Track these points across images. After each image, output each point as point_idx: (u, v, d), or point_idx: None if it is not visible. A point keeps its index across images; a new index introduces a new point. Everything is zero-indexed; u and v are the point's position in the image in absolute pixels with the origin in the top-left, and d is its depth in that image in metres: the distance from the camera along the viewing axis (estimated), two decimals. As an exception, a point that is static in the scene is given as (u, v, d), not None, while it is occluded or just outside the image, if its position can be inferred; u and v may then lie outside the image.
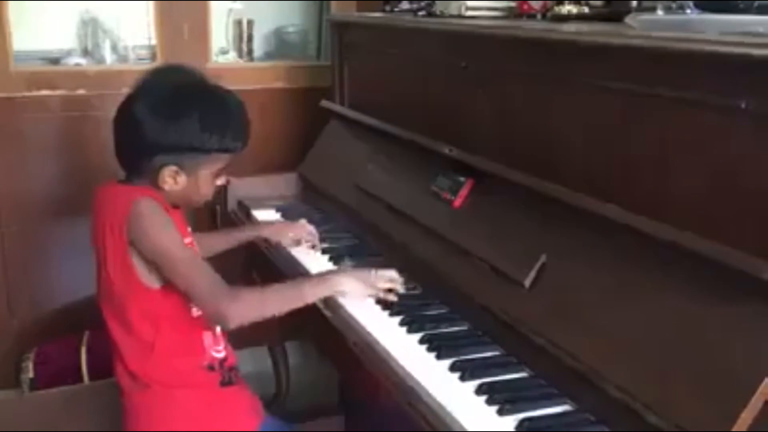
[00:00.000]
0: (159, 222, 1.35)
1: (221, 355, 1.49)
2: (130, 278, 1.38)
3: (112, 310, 1.43)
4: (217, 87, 1.45)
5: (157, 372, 1.43)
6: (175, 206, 1.46)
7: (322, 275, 1.53)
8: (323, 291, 1.45)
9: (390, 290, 1.49)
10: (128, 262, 1.37)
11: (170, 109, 1.36)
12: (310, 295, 1.44)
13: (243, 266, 1.99)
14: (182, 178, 1.40)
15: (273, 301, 1.41)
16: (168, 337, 1.42)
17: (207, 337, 1.47)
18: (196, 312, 1.43)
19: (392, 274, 1.51)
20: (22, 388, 2.31)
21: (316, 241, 1.83)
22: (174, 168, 1.38)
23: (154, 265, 1.37)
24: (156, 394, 1.43)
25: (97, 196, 1.44)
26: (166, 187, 1.40)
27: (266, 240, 1.83)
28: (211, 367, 1.47)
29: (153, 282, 1.39)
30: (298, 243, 1.82)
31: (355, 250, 1.81)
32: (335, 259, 1.75)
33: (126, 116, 1.39)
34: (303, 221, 1.87)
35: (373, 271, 1.51)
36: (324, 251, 1.81)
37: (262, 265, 1.89)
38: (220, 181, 1.48)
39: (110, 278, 1.40)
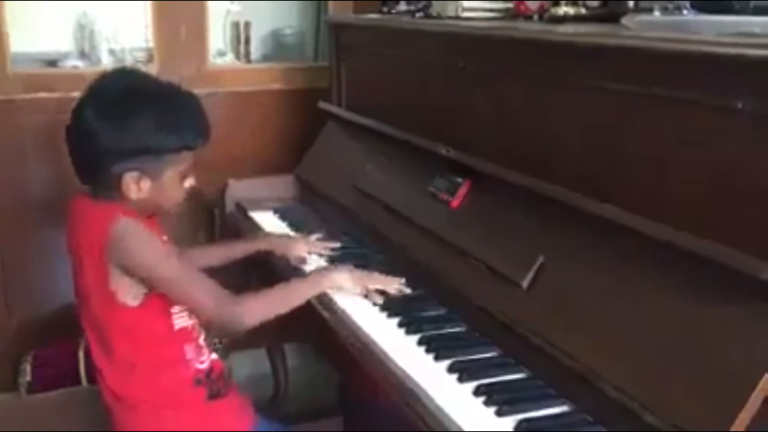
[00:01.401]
0: (143, 242, 1.32)
1: (205, 366, 1.45)
2: (109, 298, 1.34)
3: (92, 329, 1.41)
4: (168, 85, 1.40)
5: (141, 391, 1.40)
6: (149, 216, 1.41)
7: (319, 272, 1.55)
8: (320, 287, 1.49)
9: (382, 292, 1.50)
10: (107, 283, 1.33)
11: (122, 111, 1.30)
12: (308, 291, 1.47)
13: (241, 270, 1.98)
14: (146, 184, 1.34)
15: (275, 301, 1.43)
16: (148, 355, 1.39)
17: (189, 350, 1.43)
18: (177, 325, 1.41)
19: (388, 279, 1.52)
20: (20, 391, 2.30)
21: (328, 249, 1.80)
22: (135, 174, 1.32)
23: (145, 283, 1.34)
24: (142, 415, 1.40)
25: (72, 209, 1.41)
26: (132, 195, 1.33)
27: (270, 253, 1.78)
28: (198, 381, 1.43)
29: (131, 300, 1.35)
30: (303, 261, 1.75)
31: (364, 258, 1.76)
32: (333, 261, 1.75)
33: (77, 125, 1.34)
34: (314, 237, 1.82)
35: (368, 272, 1.54)
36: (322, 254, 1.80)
37: (261, 268, 1.89)
38: (188, 183, 1.42)
39: (88, 298, 1.37)
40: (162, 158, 1.35)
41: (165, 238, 1.47)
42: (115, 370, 1.40)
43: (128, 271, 1.32)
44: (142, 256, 1.32)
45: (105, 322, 1.38)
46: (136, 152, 1.32)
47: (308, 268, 1.72)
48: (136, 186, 1.33)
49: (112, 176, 1.33)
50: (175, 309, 1.41)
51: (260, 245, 1.79)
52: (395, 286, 1.52)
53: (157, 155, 1.34)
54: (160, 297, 1.37)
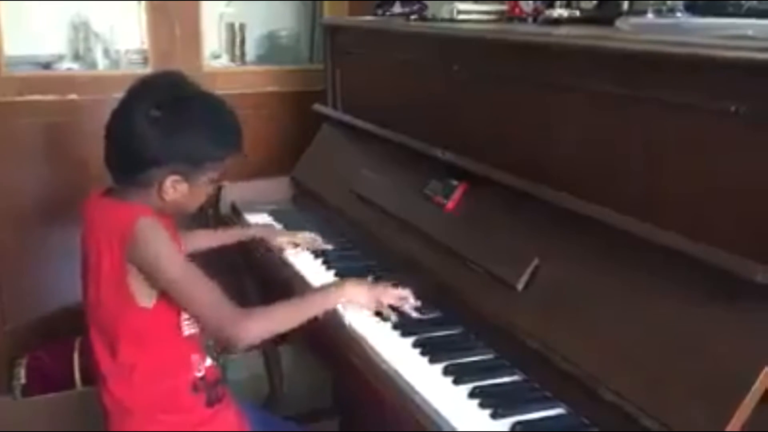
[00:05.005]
0: (163, 246, 1.32)
1: (202, 374, 1.44)
2: (124, 297, 1.34)
3: (99, 330, 1.40)
4: (213, 94, 1.42)
5: (140, 396, 1.39)
6: (167, 216, 1.41)
7: (332, 285, 1.52)
8: (333, 301, 1.46)
9: (395, 309, 1.47)
10: (124, 281, 1.33)
11: (174, 118, 1.32)
12: (320, 306, 1.44)
13: (234, 270, 1.98)
14: (183, 187, 1.36)
15: (282, 318, 1.40)
16: (152, 359, 1.38)
17: (195, 358, 1.43)
18: (186, 332, 1.41)
19: (404, 293, 1.50)
20: (14, 394, 2.30)
21: (320, 245, 1.84)
22: (177, 177, 1.34)
23: (154, 283, 1.33)
24: (139, 421, 1.39)
25: (90, 209, 1.40)
26: (167, 197, 1.35)
27: (261, 240, 1.84)
28: (195, 387, 1.42)
29: (146, 301, 1.35)
30: (294, 246, 1.84)
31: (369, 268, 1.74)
32: (328, 263, 1.75)
33: (123, 125, 1.33)
34: (307, 234, 1.87)
35: (382, 286, 1.51)
36: (316, 255, 1.80)
37: (254, 267, 1.89)
38: (212, 189, 1.45)
39: (101, 297, 1.36)
40: (204, 165, 1.37)
41: (179, 234, 1.48)
42: (117, 372, 1.39)
43: (142, 268, 1.32)
44: (158, 255, 1.32)
45: (115, 322, 1.37)
46: (182, 158, 1.34)
47: (295, 259, 1.76)
48: (173, 189, 1.35)
49: (151, 178, 1.34)
50: (186, 315, 1.40)
51: (255, 232, 1.86)
52: (410, 302, 1.49)
53: (202, 162, 1.37)
54: (172, 302, 1.36)
